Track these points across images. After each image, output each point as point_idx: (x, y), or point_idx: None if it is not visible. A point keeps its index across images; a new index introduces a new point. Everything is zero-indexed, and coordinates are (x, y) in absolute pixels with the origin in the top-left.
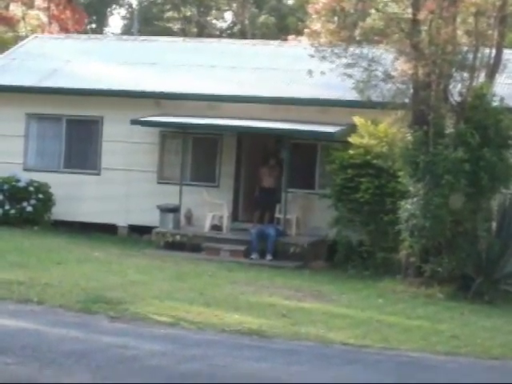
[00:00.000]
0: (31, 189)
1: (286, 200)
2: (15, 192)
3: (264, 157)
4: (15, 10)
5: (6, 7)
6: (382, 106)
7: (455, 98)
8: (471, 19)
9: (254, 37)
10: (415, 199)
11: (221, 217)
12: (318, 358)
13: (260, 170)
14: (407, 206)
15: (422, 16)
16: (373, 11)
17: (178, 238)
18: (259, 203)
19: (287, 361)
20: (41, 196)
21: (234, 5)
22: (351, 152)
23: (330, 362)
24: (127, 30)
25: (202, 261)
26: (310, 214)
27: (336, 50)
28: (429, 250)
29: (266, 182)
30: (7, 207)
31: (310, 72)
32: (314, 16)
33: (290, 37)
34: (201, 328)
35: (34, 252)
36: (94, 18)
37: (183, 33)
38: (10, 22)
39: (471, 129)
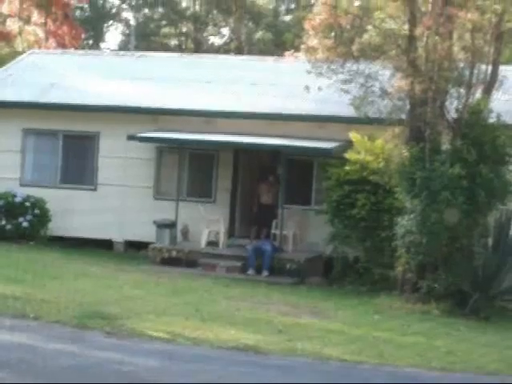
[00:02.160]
0: (27, 204)
1: (282, 216)
2: (11, 207)
3: (262, 173)
4: (12, 25)
5: (3, 23)
6: (378, 122)
7: (452, 114)
8: (468, 36)
9: (250, 53)
10: (412, 215)
11: (217, 232)
12: (314, 374)
13: (259, 186)
14: (404, 222)
15: (418, 32)
16: (370, 27)
17: (174, 253)
18: (257, 219)
19: (283, 377)
20: (37, 211)
21: (231, 20)
22: (348, 168)
23: (326, 377)
24: (124, 46)
25: (198, 276)
26: (306, 230)
27: (333, 66)
28: (425, 266)
29: (265, 199)
30: (3, 222)
31: (306, 88)
32: (310, 32)
33: (287, 53)
34: (197, 344)
35: (30, 267)
36: (91, 33)
37: (180, 49)
38: (6, 38)
39: (468, 145)
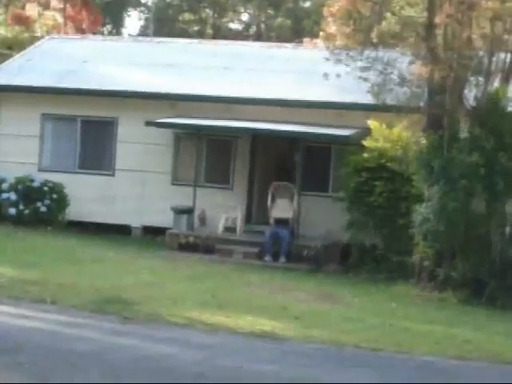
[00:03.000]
0: (45, 189)
1: (299, 203)
2: (29, 192)
3: (277, 174)
4: (31, 10)
5: (23, 7)
6: (396, 109)
7: (470, 102)
8: (487, 23)
9: (269, 39)
10: (429, 203)
11: (234, 218)
12: (331, 361)
13: (273, 193)
14: (421, 210)
15: (437, 20)
16: (388, 14)
17: (191, 239)
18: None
19: (299, 363)
20: (55, 196)
21: (251, 7)
22: (365, 155)
23: (342, 364)
24: (143, 32)
25: (215, 262)
26: (323, 216)
27: (351, 53)
28: (442, 254)
29: (279, 212)
30: (21, 207)
31: (325, 75)
32: (329, 19)
33: (306, 39)
34: (213, 330)
35: (48, 252)
36: (110, 19)
37: (199, 35)
38: (26, 22)
39: (486, 133)
